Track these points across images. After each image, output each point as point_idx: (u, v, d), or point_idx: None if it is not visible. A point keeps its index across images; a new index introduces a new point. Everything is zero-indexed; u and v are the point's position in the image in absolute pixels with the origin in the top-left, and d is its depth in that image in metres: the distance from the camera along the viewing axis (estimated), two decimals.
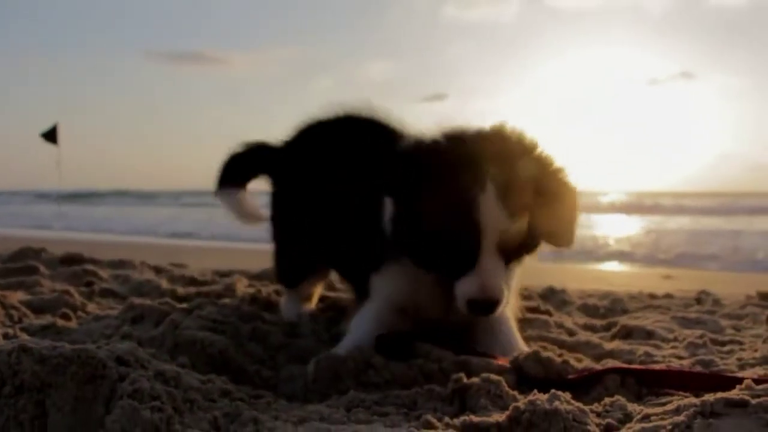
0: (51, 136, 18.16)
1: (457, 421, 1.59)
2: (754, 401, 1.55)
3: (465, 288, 2.11)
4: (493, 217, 2.03)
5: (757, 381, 1.68)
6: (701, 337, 2.72)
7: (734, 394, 1.60)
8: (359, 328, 2.34)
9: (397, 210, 2.21)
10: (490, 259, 2.07)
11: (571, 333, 2.86)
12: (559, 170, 2.22)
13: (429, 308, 2.34)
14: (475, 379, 1.82)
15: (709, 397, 1.58)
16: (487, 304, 2.10)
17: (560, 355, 2.24)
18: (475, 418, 1.59)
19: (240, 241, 9.84)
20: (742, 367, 2.25)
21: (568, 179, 2.23)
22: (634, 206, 27.21)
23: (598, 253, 9.82)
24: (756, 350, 2.48)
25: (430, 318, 2.36)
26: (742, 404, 1.56)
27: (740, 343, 2.68)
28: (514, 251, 2.16)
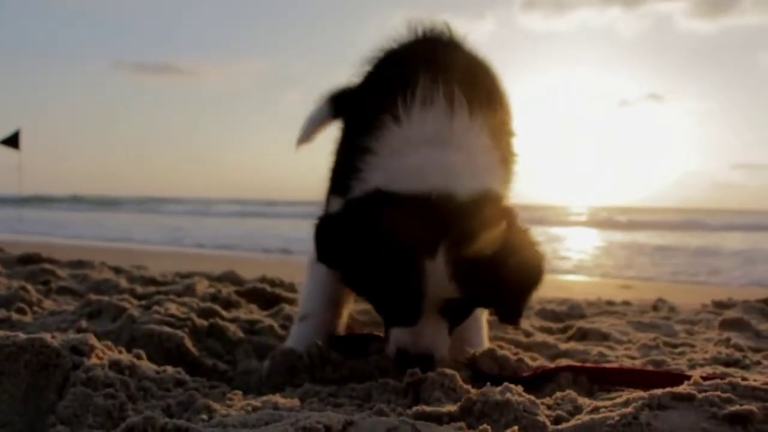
0: (13, 141, 17.96)
1: (410, 411, 1.61)
2: (700, 395, 1.59)
3: (398, 335, 2.00)
4: (439, 284, 1.88)
5: (705, 378, 1.72)
6: (654, 339, 2.77)
7: (681, 388, 1.64)
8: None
9: (348, 258, 2.03)
10: (430, 321, 1.96)
11: (527, 334, 2.89)
12: (525, 238, 2.05)
13: None
14: (429, 373, 1.84)
15: (657, 390, 1.62)
16: (419, 357, 1.96)
17: (515, 354, 2.27)
18: (427, 408, 1.61)
19: (202, 247, 9.79)
20: (692, 367, 2.29)
21: (535, 247, 2.05)
22: (604, 221, 27.59)
23: (563, 264, 9.91)
24: (707, 352, 2.53)
25: None
26: (688, 398, 1.60)
27: (692, 345, 2.73)
28: (461, 313, 2.07)
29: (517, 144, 2.31)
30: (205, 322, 2.46)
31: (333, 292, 2.32)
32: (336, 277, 2.19)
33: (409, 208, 1.91)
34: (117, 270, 4.54)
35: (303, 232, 2.40)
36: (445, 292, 1.90)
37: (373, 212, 1.93)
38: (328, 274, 2.24)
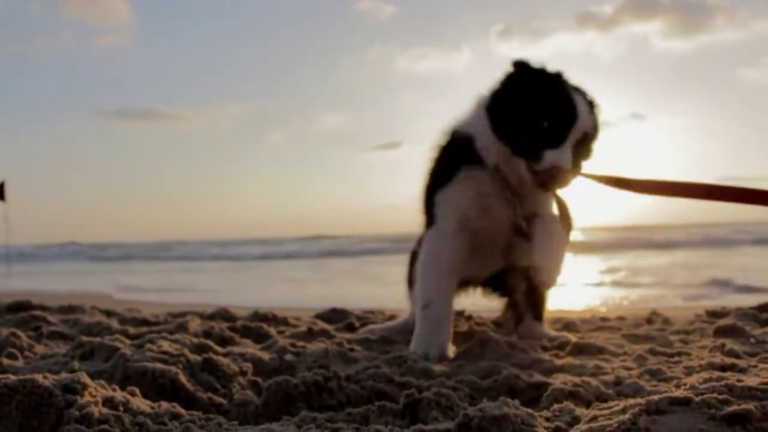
0: None
1: (407, 431, 1.60)
2: (697, 398, 1.59)
3: (550, 155, 2.65)
4: (583, 116, 2.69)
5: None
6: (650, 350, 2.77)
7: (678, 393, 1.64)
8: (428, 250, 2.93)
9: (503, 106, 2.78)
10: (569, 147, 2.68)
11: (523, 351, 2.88)
12: None
13: (494, 224, 2.92)
14: (426, 393, 1.83)
15: (654, 396, 1.62)
16: (563, 175, 2.68)
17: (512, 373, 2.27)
18: (425, 427, 1.60)
19: (194, 291, 9.74)
20: (688, 374, 2.29)
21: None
22: (593, 243, 27.66)
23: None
24: (702, 359, 2.53)
25: (493, 240, 2.97)
26: (685, 401, 1.60)
27: (687, 354, 2.73)
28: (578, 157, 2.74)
29: None
30: (198, 358, 2.44)
31: (451, 280, 2.90)
32: (451, 265, 2.88)
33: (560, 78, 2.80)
34: (108, 313, 4.51)
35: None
36: (584, 124, 2.70)
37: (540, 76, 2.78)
38: (446, 264, 2.87)
